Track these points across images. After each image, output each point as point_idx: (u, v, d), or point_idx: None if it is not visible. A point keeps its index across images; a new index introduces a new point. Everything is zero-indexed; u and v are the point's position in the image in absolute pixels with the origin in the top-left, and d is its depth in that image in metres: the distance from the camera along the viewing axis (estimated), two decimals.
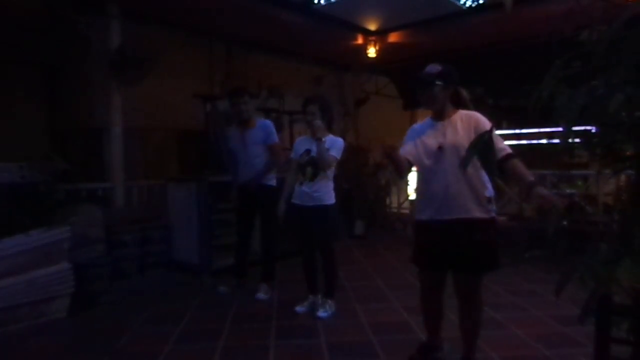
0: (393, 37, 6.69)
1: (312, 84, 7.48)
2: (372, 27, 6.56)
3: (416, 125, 2.74)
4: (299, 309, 3.69)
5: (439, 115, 2.55)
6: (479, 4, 5.63)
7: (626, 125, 1.22)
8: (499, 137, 2.38)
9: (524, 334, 3.18)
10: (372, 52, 6.81)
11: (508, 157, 2.35)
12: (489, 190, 2.46)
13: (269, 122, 4.25)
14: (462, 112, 2.52)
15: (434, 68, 2.55)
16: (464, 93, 2.60)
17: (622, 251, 1.20)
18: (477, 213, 2.41)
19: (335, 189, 3.67)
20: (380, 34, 6.66)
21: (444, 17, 5.93)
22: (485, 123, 2.38)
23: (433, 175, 2.49)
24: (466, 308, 2.54)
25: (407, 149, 2.57)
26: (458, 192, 2.41)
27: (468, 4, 5.67)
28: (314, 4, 5.65)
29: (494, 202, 2.50)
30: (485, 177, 2.39)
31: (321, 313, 3.55)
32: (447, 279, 2.58)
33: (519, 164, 2.34)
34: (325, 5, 5.66)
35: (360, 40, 6.79)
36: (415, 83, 2.58)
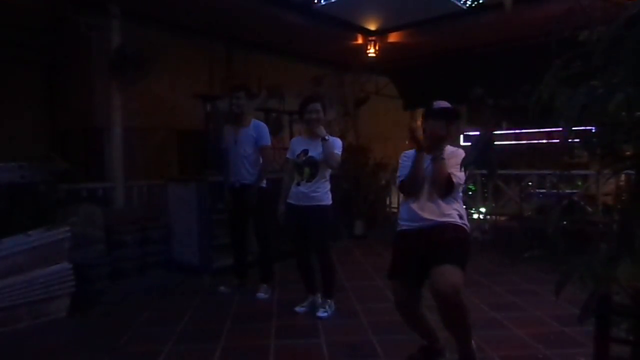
0: (393, 37, 6.69)
1: (312, 84, 7.48)
2: (372, 27, 6.56)
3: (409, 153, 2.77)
4: (298, 309, 3.68)
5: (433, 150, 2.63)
6: (479, 4, 5.63)
7: (626, 125, 1.22)
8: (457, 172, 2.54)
9: (524, 334, 3.18)
10: (372, 52, 6.81)
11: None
12: (457, 209, 2.60)
13: (263, 124, 4.22)
14: (450, 149, 2.65)
15: (446, 104, 2.67)
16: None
17: (622, 251, 1.20)
18: (440, 219, 2.55)
19: (335, 189, 3.67)
20: (380, 34, 6.66)
21: (445, 17, 5.93)
22: (457, 161, 2.50)
23: (414, 199, 2.63)
24: (448, 315, 2.44)
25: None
26: (427, 214, 2.57)
27: (468, 4, 5.67)
28: (314, 4, 5.65)
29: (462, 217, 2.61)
30: (452, 204, 2.60)
31: (321, 313, 3.55)
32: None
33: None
34: (325, 5, 5.66)
35: (360, 40, 6.80)
36: (442, 115, 2.64)
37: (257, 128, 4.12)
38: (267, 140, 4.14)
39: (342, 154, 3.60)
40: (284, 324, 3.46)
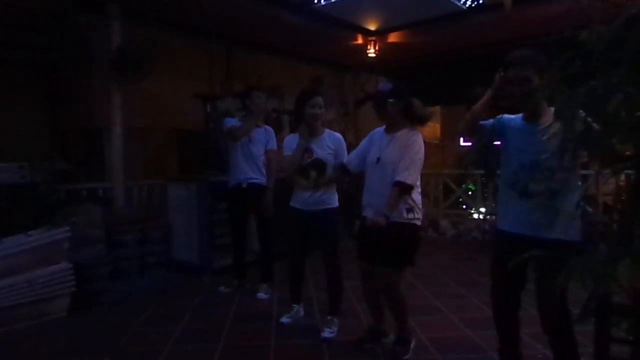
0: (393, 37, 6.69)
1: (312, 84, 7.48)
2: (372, 27, 6.56)
3: (376, 130, 2.97)
4: (284, 319, 3.44)
5: (390, 128, 2.84)
6: (479, 4, 5.62)
7: (626, 125, 1.22)
8: (411, 162, 2.67)
9: (524, 333, 3.16)
10: (372, 52, 6.81)
11: (395, 183, 2.65)
12: (412, 200, 2.73)
13: (272, 129, 4.32)
14: (408, 130, 2.79)
15: (386, 86, 2.84)
16: (416, 105, 2.79)
17: (622, 251, 1.20)
18: (394, 217, 2.67)
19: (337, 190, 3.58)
20: (380, 34, 6.66)
21: (444, 17, 5.93)
22: (411, 144, 2.70)
23: (369, 182, 2.85)
24: (386, 299, 2.88)
25: (350, 158, 3.07)
26: (380, 197, 2.72)
27: (468, 4, 5.67)
28: (314, 4, 5.65)
29: (417, 211, 2.76)
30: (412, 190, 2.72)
31: (327, 334, 3.15)
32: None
33: (393, 193, 2.65)
34: (325, 5, 5.65)
35: (360, 40, 6.79)
36: (371, 101, 2.91)
37: (269, 131, 4.23)
38: (276, 145, 4.23)
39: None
40: (284, 324, 3.45)
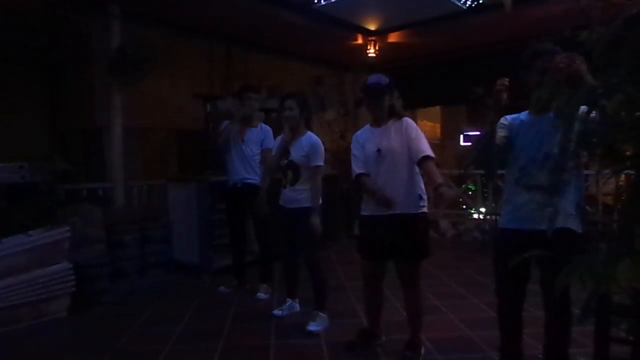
0: (393, 37, 6.69)
1: (312, 84, 7.48)
2: (372, 27, 6.56)
3: (358, 133, 2.99)
4: (276, 312, 3.58)
5: (378, 122, 2.85)
6: (479, 4, 5.63)
7: (626, 125, 1.22)
8: (423, 140, 2.71)
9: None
10: (372, 52, 6.81)
11: (424, 158, 2.64)
12: (420, 189, 2.77)
13: (269, 128, 4.29)
14: (394, 121, 2.82)
15: (383, 79, 2.82)
16: (398, 103, 2.86)
17: (622, 251, 1.20)
18: (409, 209, 2.71)
19: (335, 189, 3.60)
20: (380, 34, 6.66)
21: (444, 17, 5.93)
22: (412, 126, 2.76)
23: (375, 175, 2.77)
24: (408, 295, 2.85)
25: (359, 165, 2.84)
26: (393, 190, 2.68)
27: (468, 4, 5.67)
28: (314, 4, 5.65)
29: (424, 199, 2.79)
30: (417, 177, 2.76)
31: (312, 327, 3.26)
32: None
33: (431, 166, 2.63)
34: (325, 5, 5.65)
35: (360, 40, 6.79)
36: (367, 93, 2.85)
37: (265, 130, 4.21)
38: (271, 144, 4.15)
39: (324, 155, 3.41)
40: (284, 324, 3.46)
